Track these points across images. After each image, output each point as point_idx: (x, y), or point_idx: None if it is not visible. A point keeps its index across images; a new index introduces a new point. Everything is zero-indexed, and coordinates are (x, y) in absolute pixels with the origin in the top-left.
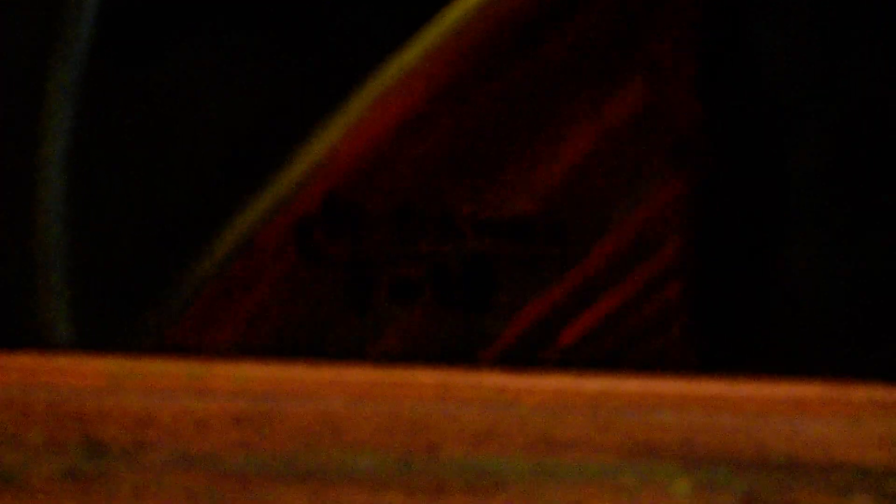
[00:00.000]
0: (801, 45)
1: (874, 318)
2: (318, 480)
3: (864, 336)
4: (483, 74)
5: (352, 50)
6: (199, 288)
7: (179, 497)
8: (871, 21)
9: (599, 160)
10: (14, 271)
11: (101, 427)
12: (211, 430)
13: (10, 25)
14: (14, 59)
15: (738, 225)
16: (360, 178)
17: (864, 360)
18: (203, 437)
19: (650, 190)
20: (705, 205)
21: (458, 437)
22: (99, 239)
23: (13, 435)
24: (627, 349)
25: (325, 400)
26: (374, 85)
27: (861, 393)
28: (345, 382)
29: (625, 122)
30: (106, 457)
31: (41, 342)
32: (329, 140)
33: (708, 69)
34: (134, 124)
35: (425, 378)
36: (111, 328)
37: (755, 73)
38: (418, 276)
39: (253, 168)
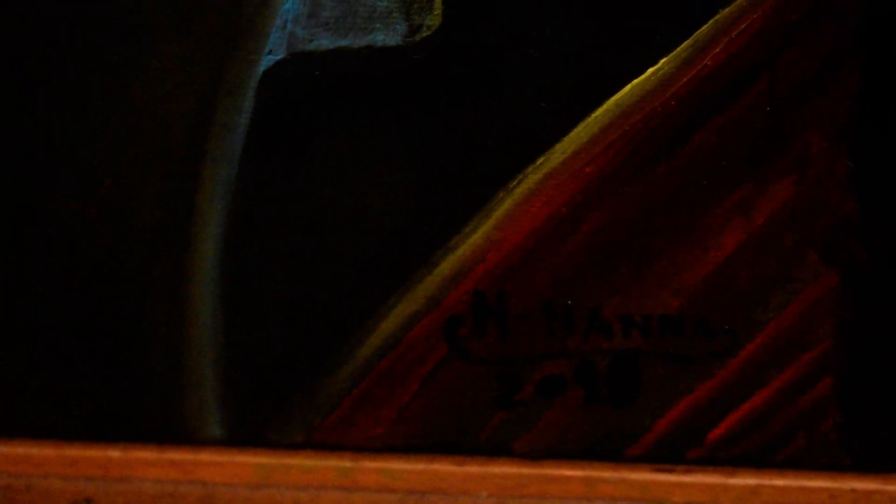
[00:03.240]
0: None
1: None
2: None
3: None
4: (630, 171)
5: (499, 147)
6: (348, 384)
7: None
8: None
9: (749, 256)
10: (165, 366)
11: None
12: None
13: (163, 125)
14: (169, 159)
15: (891, 322)
16: (507, 276)
17: None
18: None
19: (802, 286)
20: (859, 301)
21: None
22: (249, 335)
23: None
24: (777, 446)
25: (473, 496)
26: (520, 182)
27: None
28: (492, 478)
29: (775, 217)
30: None
31: (191, 438)
32: (477, 238)
33: (862, 163)
34: (285, 221)
35: (572, 474)
36: (261, 424)
37: None
38: (565, 373)
39: (402, 264)
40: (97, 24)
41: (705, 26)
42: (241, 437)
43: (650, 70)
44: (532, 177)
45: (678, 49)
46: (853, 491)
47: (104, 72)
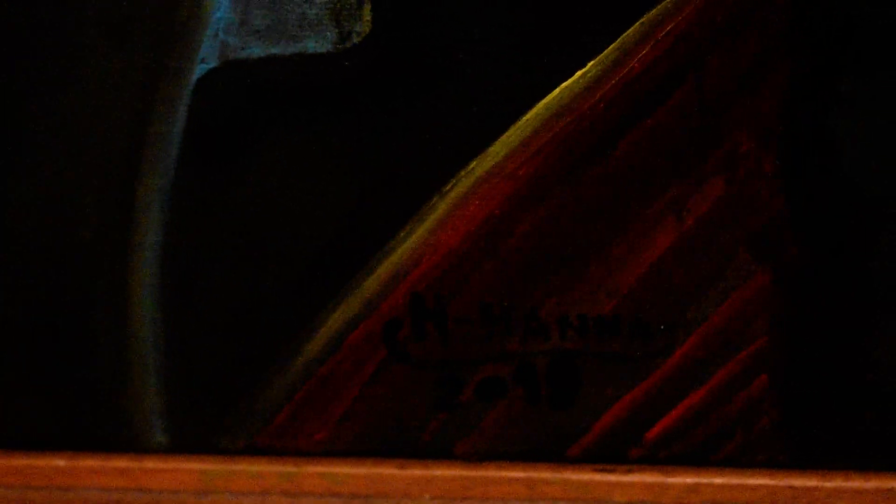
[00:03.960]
0: (885, 135)
1: None
2: None
3: None
4: (562, 173)
5: (432, 151)
6: (290, 389)
7: None
8: None
9: (682, 255)
10: (108, 375)
11: None
12: None
13: (98, 136)
14: (105, 169)
15: (824, 318)
16: (444, 279)
17: None
18: None
19: (734, 284)
20: (791, 298)
21: None
22: (190, 342)
23: None
24: (716, 444)
25: (416, 499)
26: (453, 186)
27: None
28: (435, 480)
29: (707, 216)
30: None
31: (136, 445)
32: (412, 242)
33: (790, 162)
34: (223, 229)
35: (514, 475)
36: (204, 430)
37: (838, 165)
38: (504, 375)
39: (339, 270)
40: (29, 34)
41: (631, 29)
42: (185, 443)
43: (578, 73)
44: (465, 180)
45: (605, 52)
46: (792, 488)
47: (38, 82)
